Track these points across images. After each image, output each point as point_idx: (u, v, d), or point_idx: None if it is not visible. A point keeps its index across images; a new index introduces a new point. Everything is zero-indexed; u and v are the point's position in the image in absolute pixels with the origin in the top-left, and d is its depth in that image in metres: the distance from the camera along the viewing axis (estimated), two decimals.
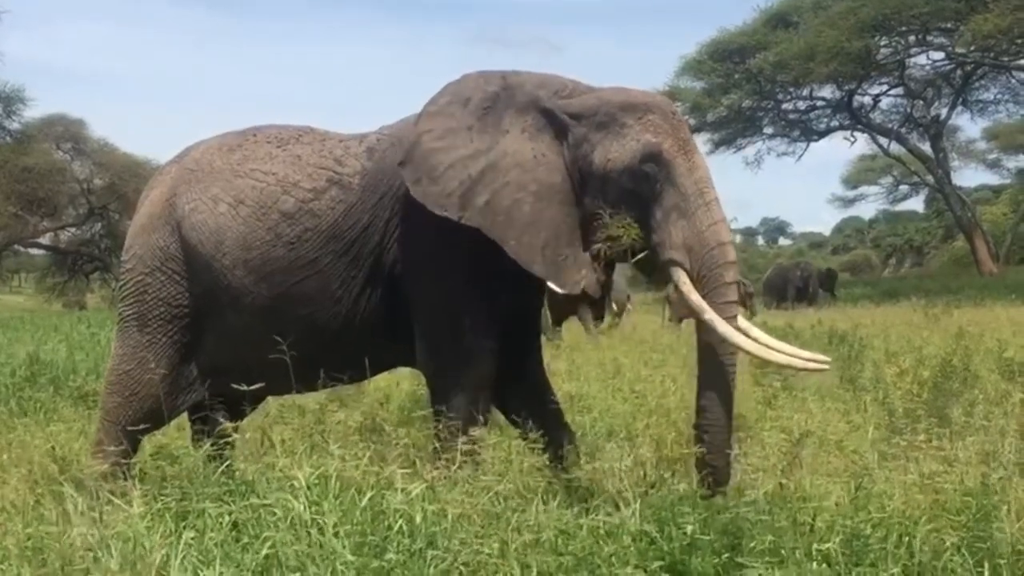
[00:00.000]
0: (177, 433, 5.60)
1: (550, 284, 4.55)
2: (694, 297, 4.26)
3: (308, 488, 3.58)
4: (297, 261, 4.64)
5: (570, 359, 9.81)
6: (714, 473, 4.12)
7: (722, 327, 4.20)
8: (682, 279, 4.29)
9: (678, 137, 4.41)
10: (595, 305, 14.84)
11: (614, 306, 15.77)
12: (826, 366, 4.41)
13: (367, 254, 4.64)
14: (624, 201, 4.37)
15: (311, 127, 5.01)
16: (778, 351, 4.35)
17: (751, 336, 4.30)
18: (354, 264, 4.64)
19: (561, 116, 4.51)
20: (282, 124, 5.04)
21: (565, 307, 13.92)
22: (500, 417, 4.99)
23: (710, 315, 4.21)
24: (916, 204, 54.76)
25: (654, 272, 4.52)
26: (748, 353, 4.23)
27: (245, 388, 4.41)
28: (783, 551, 3.40)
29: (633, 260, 4.42)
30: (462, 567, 3.30)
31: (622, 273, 14.23)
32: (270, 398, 5.24)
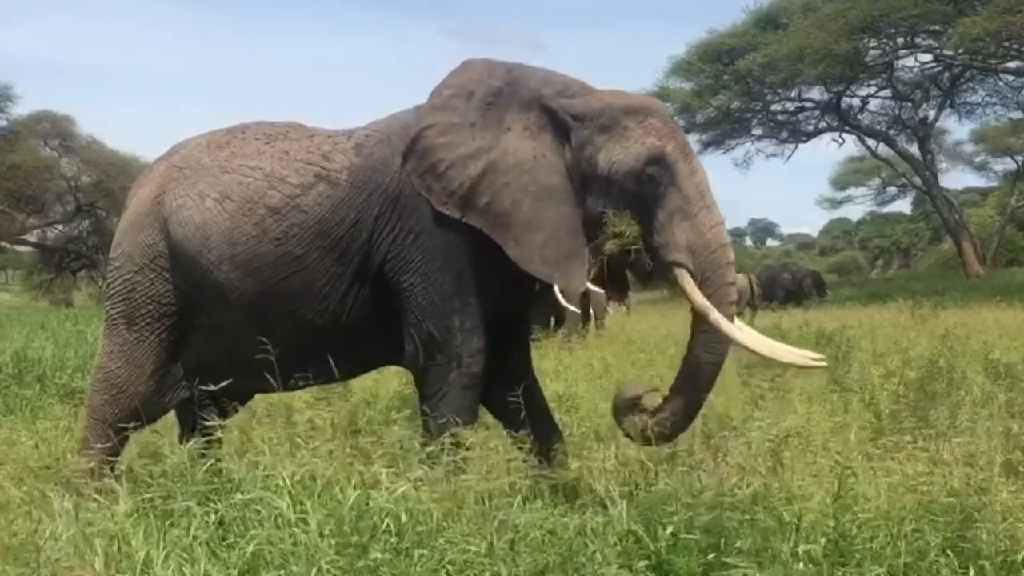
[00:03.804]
0: (164, 431, 5.58)
1: (549, 281, 4.62)
2: (698, 298, 4.32)
3: (292, 487, 3.57)
4: (283, 257, 4.62)
5: (558, 359, 9.80)
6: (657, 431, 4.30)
7: (727, 326, 4.30)
8: (686, 280, 4.36)
9: (678, 140, 4.49)
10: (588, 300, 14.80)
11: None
12: (823, 363, 4.58)
13: (355, 251, 4.63)
14: (627, 203, 4.42)
15: (299, 123, 5.00)
16: (779, 349, 4.46)
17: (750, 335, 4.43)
18: (341, 261, 4.63)
19: (563, 116, 4.53)
20: (270, 121, 5.02)
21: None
22: (488, 416, 4.98)
23: (715, 315, 4.29)
24: (904, 206, 55.02)
25: (652, 272, 4.55)
26: (750, 349, 4.34)
27: (227, 386, 4.40)
28: (768, 551, 3.41)
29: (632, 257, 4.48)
30: (448, 566, 3.30)
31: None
32: (257, 396, 5.23)
